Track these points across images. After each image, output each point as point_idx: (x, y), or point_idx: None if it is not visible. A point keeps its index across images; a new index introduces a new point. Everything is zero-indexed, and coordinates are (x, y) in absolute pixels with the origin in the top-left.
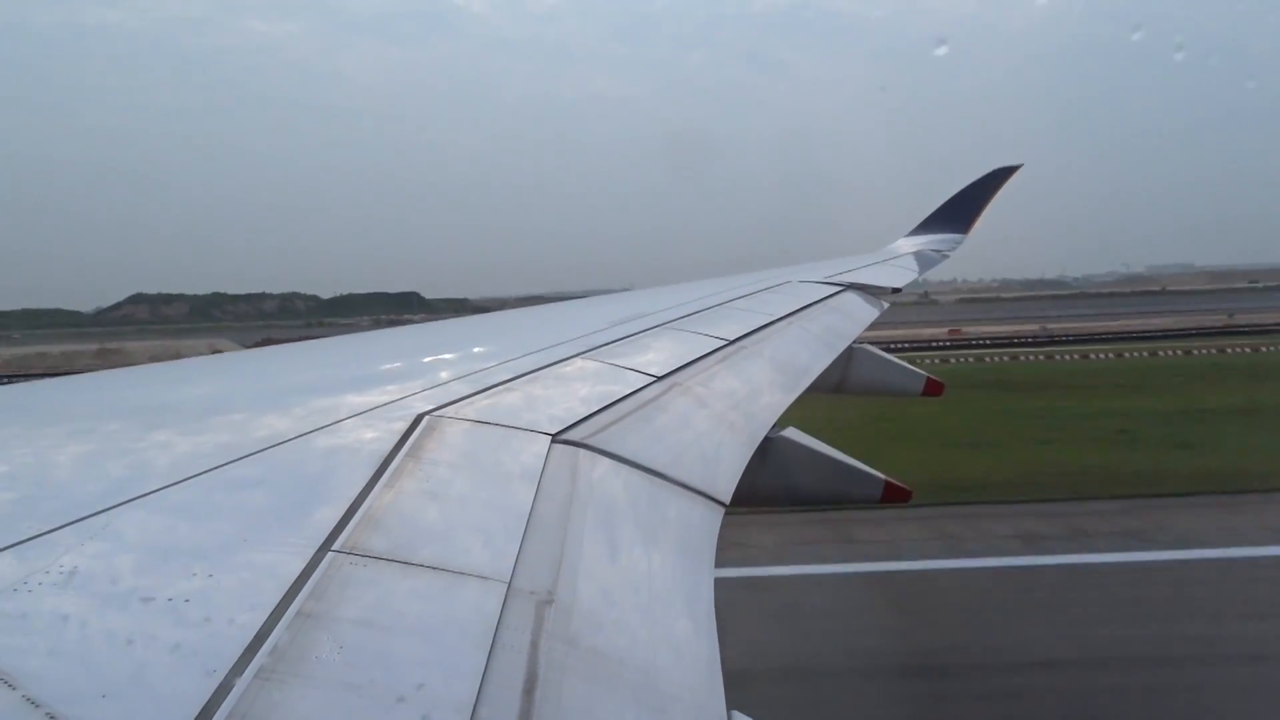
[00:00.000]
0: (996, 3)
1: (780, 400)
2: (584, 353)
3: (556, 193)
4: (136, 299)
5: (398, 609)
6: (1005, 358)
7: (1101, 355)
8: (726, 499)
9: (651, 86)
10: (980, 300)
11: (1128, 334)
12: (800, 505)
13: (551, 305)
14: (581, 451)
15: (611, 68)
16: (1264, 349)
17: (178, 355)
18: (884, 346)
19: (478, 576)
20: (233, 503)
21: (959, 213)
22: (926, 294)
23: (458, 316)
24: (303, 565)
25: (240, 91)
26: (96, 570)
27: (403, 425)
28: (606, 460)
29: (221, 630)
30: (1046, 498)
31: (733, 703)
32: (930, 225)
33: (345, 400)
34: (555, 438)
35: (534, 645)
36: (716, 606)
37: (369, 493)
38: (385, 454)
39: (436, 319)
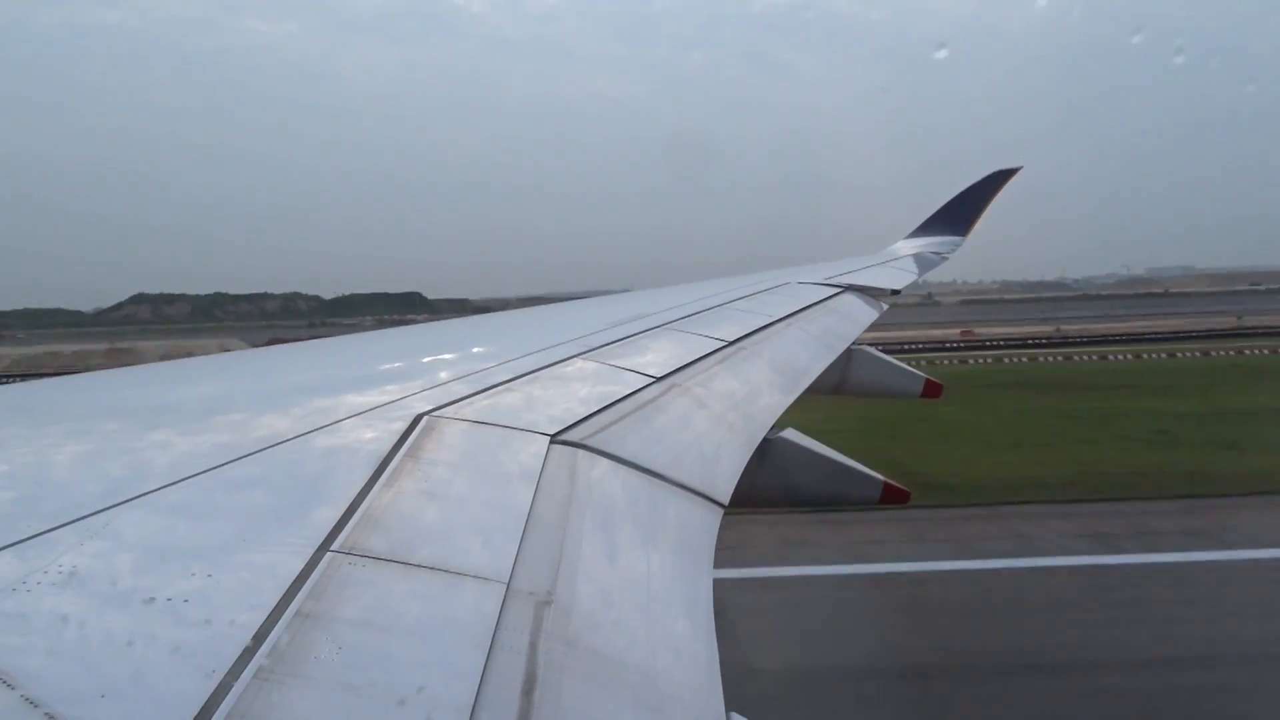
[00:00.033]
0: (996, 4)
1: (779, 401)
2: (583, 353)
3: (556, 193)
4: (138, 299)
5: (397, 609)
6: (1024, 359)
7: (1119, 356)
8: (725, 500)
9: (651, 87)
10: (984, 302)
11: (1141, 335)
12: (799, 506)
13: (551, 306)
14: (580, 452)
15: (611, 68)
16: None
17: (189, 354)
18: (895, 347)
19: (477, 577)
20: (232, 503)
21: (958, 215)
22: (930, 295)
23: (459, 317)
24: (302, 565)
25: (241, 92)
26: (96, 570)
27: (402, 425)
28: (605, 461)
29: (220, 630)
30: (1104, 497)
31: (730, 704)
32: (929, 227)
33: (344, 400)
34: (554, 438)
35: (533, 646)
36: (855, 605)
37: (368, 493)
38: (384, 454)
39: (439, 319)
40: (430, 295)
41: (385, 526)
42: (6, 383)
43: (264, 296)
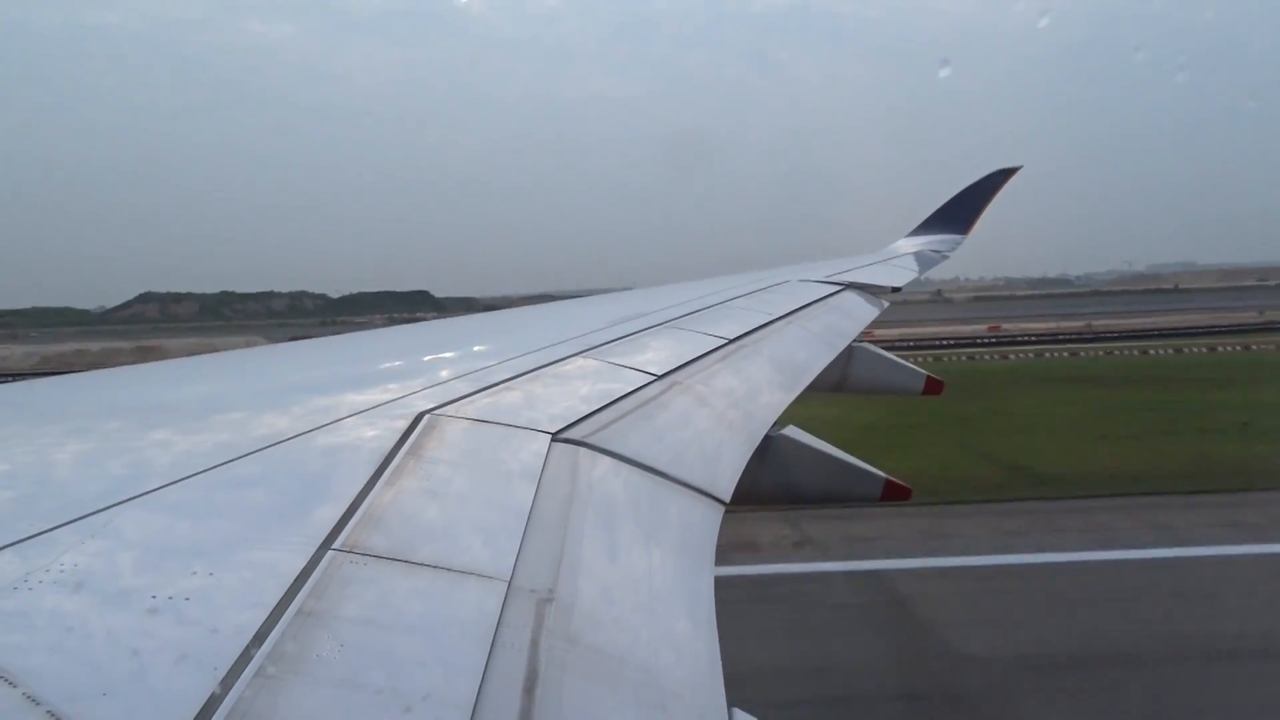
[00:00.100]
0: (997, 3)
1: (780, 399)
2: (584, 351)
3: (558, 193)
4: (146, 298)
5: (398, 607)
6: (1063, 354)
7: (1159, 351)
8: (727, 497)
9: (651, 87)
10: (996, 298)
11: (1172, 330)
12: (801, 504)
13: (552, 304)
14: (582, 450)
15: (611, 68)
16: None
17: (213, 351)
18: (925, 343)
19: (478, 575)
20: (233, 501)
21: (959, 213)
22: (940, 292)
23: (466, 315)
24: (303, 564)
25: (242, 92)
26: (97, 568)
27: (403, 424)
28: (607, 459)
29: (222, 628)
30: (1222, 488)
31: (732, 700)
32: (930, 226)
33: (345, 399)
34: (555, 436)
35: (534, 644)
36: (1026, 595)
37: (369, 491)
38: (386, 452)
39: (446, 318)
40: (438, 294)
41: (387, 525)
42: (22, 380)
43: (271, 295)
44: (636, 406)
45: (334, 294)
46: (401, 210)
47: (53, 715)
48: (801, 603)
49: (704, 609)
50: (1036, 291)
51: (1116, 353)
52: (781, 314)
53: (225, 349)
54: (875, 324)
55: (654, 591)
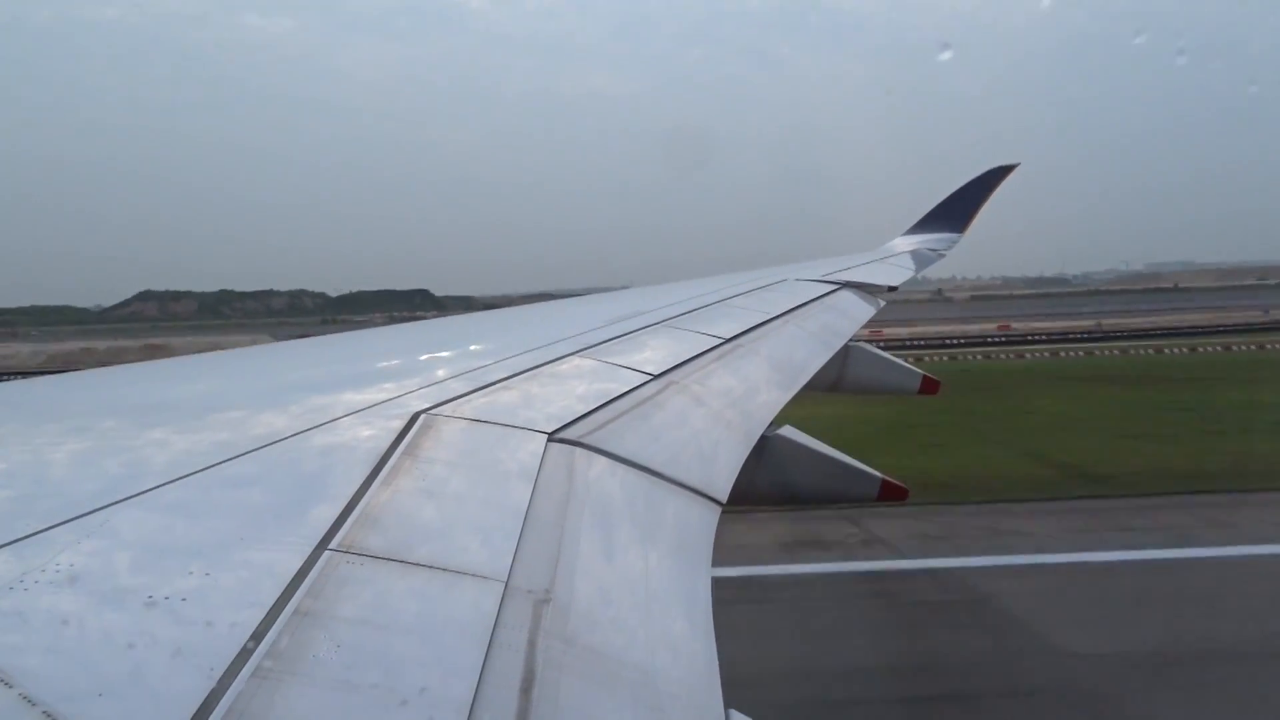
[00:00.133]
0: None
1: (777, 398)
2: (581, 351)
3: (557, 191)
4: (145, 296)
5: (395, 608)
6: (1078, 353)
7: (1175, 350)
8: (723, 497)
9: (650, 83)
10: (996, 298)
11: (1182, 329)
12: (797, 504)
13: (548, 303)
14: (578, 450)
15: (610, 64)
16: None
17: (220, 349)
18: (936, 342)
19: (475, 575)
20: (230, 501)
21: (955, 212)
22: (940, 291)
23: (462, 314)
24: (300, 564)
25: (239, 88)
26: (93, 568)
27: (399, 423)
28: (603, 459)
29: (219, 628)
30: (1272, 486)
31: (729, 701)
32: (926, 224)
33: (342, 398)
34: (552, 436)
35: (531, 644)
36: (1117, 592)
37: (366, 491)
38: (382, 452)
39: (443, 317)
40: (438, 293)
41: (383, 525)
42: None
43: (270, 294)
44: (633, 406)
45: (334, 292)
46: (401, 208)
47: (49, 716)
48: (891, 601)
49: (701, 609)
50: (1037, 290)
51: (1131, 352)
52: (778, 313)
53: (233, 347)
54: (884, 323)
55: (651, 592)
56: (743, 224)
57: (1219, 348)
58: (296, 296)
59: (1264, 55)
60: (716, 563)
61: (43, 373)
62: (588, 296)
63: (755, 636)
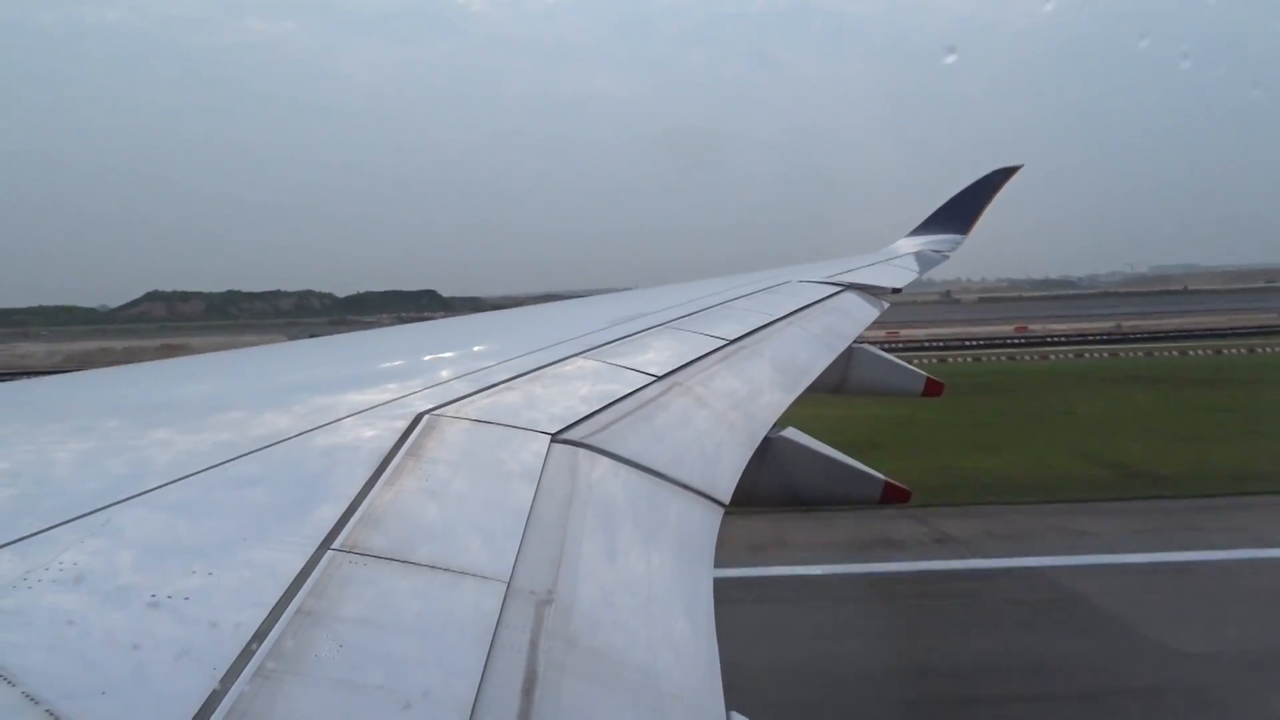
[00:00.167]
0: (998, 1)
1: (780, 400)
2: (584, 352)
3: (561, 192)
4: (153, 296)
5: (397, 608)
6: (1103, 354)
7: (1197, 352)
8: (726, 499)
9: (652, 85)
10: (1006, 299)
11: (1203, 331)
12: (800, 506)
13: (552, 304)
14: (581, 451)
15: (612, 66)
16: None
17: (237, 348)
18: (953, 343)
19: (477, 576)
20: (232, 501)
21: (959, 213)
22: (949, 293)
23: (465, 315)
24: (302, 563)
25: (247, 91)
26: (96, 567)
27: (403, 424)
28: (606, 460)
29: (221, 628)
30: None
31: (731, 703)
32: (930, 226)
33: (345, 399)
34: (555, 437)
35: (533, 645)
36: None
37: (369, 491)
38: (385, 453)
39: (446, 318)
40: (445, 294)
41: (386, 525)
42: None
43: (278, 294)
44: (636, 407)
45: (341, 293)
46: (407, 209)
47: (52, 714)
48: (981, 600)
49: (703, 611)
50: (1046, 293)
51: (1154, 353)
52: (781, 315)
53: (249, 347)
54: (899, 324)
55: (653, 593)
56: (746, 225)
57: (1242, 350)
58: (304, 297)
59: (1267, 58)
60: (800, 561)
61: (60, 373)
62: (591, 298)
63: (867, 637)
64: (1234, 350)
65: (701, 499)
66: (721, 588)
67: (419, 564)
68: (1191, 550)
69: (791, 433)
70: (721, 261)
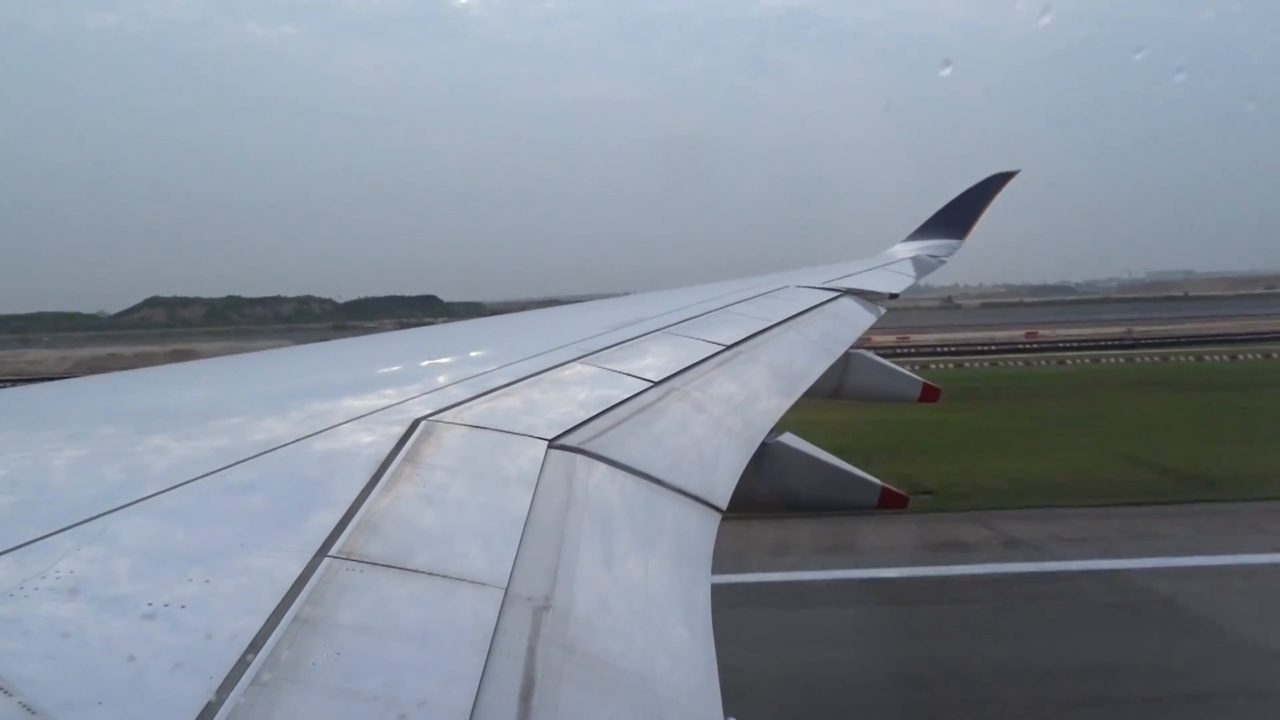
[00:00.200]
0: (996, 8)
1: (777, 405)
2: (581, 357)
3: (560, 197)
4: (153, 302)
5: (395, 614)
6: (1119, 359)
7: (1213, 357)
8: (723, 504)
9: (650, 91)
10: (1007, 305)
11: (1215, 336)
12: (797, 511)
13: (549, 309)
14: (578, 457)
15: (611, 72)
16: None
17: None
18: (966, 348)
19: (474, 582)
20: (230, 507)
21: (956, 218)
22: (950, 299)
23: (463, 321)
24: (300, 570)
25: (247, 96)
26: (93, 575)
27: (400, 430)
28: (603, 466)
29: (218, 636)
30: None
31: (729, 709)
32: (927, 230)
33: (342, 405)
34: (552, 443)
35: (531, 651)
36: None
37: (366, 498)
38: (382, 459)
39: (444, 323)
40: (445, 298)
41: (383, 531)
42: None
43: (278, 300)
44: (634, 413)
45: (341, 298)
46: (407, 214)
47: None
48: (1069, 602)
49: (701, 617)
50: (1047, 299)
51: (1171, 359)
52: (779, 320)
53: (259, 350)
54: (909, 329)
55: (651, 599)
56: (743, 230)
57: (1258, 355)
58: (304, 302)
59: (1263, 69)
60: (876, 564)
61: (58, 380)
62: (589, 303)
63: (964, 638)
64: (1249, 355)
65: (699, 504)
66: (812, 590)
67: (416, 571)
68: (1264, 553)
69: (789, 438)
70: (718, 266)
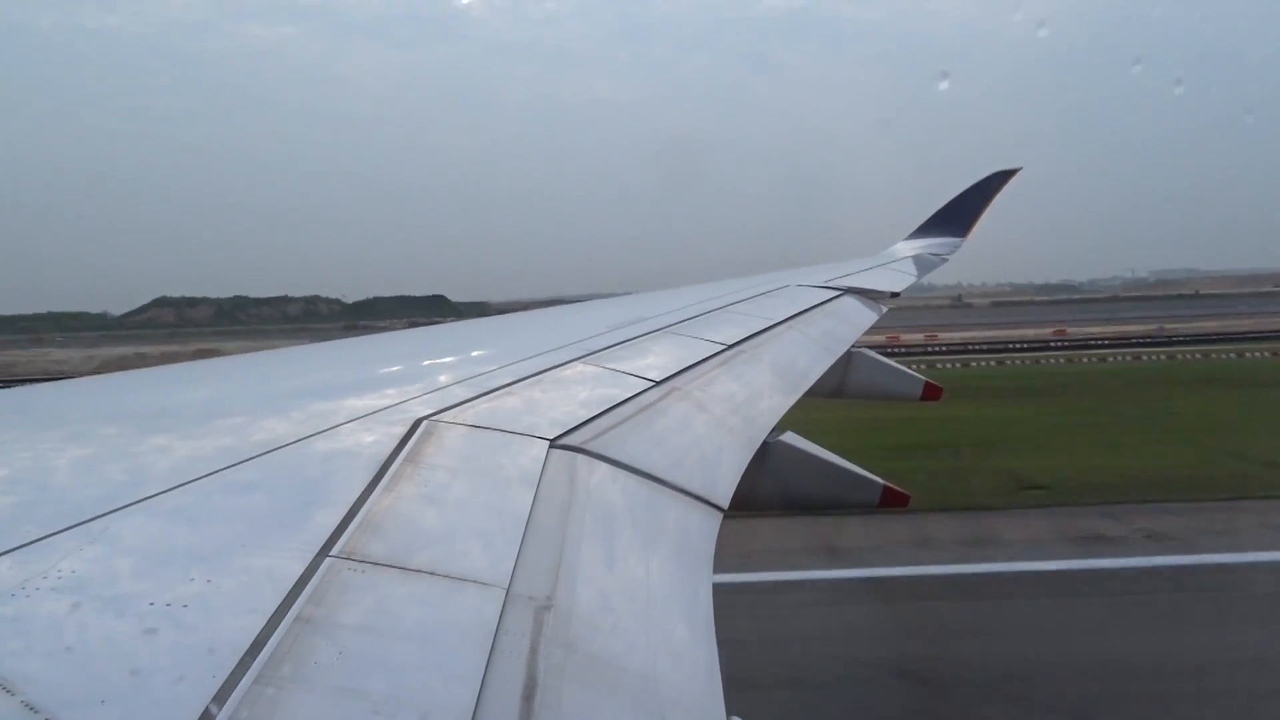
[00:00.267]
0: (998, 8)
1: (779, 404)
2: (583, 357)
3: (563, 197)
4: (161, 302)
5: (397, 614)
6: (1160, 356)
7: (1258, 354)
8: (725, 504)
9: (652, 91)
10: (1016, 303)
11: (1252, 334)
12: (798, 510)
13: (550, 309)
14: (580, 456)
15: (612, 71)
16: None
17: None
18: (1001, 346)
19: (476, 582)
20: (232, 507)
21: (957, 216)
22: (960, 297)
23: (466, 320)
24: (301, 570)
25: (246, 96)
26: (95, 575)
27: (401, 430)
28: (605, 465)
29: (220, 635)
30: None
31: (731, 708)
32: (929, 229)
33: (344, 404)
34: (554, 443)
35: (533, 651)
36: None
37: (367, 497)
38: (384, 458)
39: (446, 323)
40: (454, 298)
41: (385, 531)
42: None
43: (285, 300)
44: (635, 412)
45: (349, 298)
46: (413, 214)
47: None
48: (1240, 594)
49: (702, 616)
50: (1054, 297)
51: (1212, 356)
52: (780, 319)
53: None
54: (936, 328)
55: (652, 598)
56: (744, 229)
57: None
58: (311, 302)
59: (1262, 78)
60: (1026, 557)
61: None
62: (590, 302)
63: (1127, 632)
64: None
65: (700, 504)
66: (968, 583)
67: (418, 570)
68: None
69: (790, 437)
70: (720, 265)
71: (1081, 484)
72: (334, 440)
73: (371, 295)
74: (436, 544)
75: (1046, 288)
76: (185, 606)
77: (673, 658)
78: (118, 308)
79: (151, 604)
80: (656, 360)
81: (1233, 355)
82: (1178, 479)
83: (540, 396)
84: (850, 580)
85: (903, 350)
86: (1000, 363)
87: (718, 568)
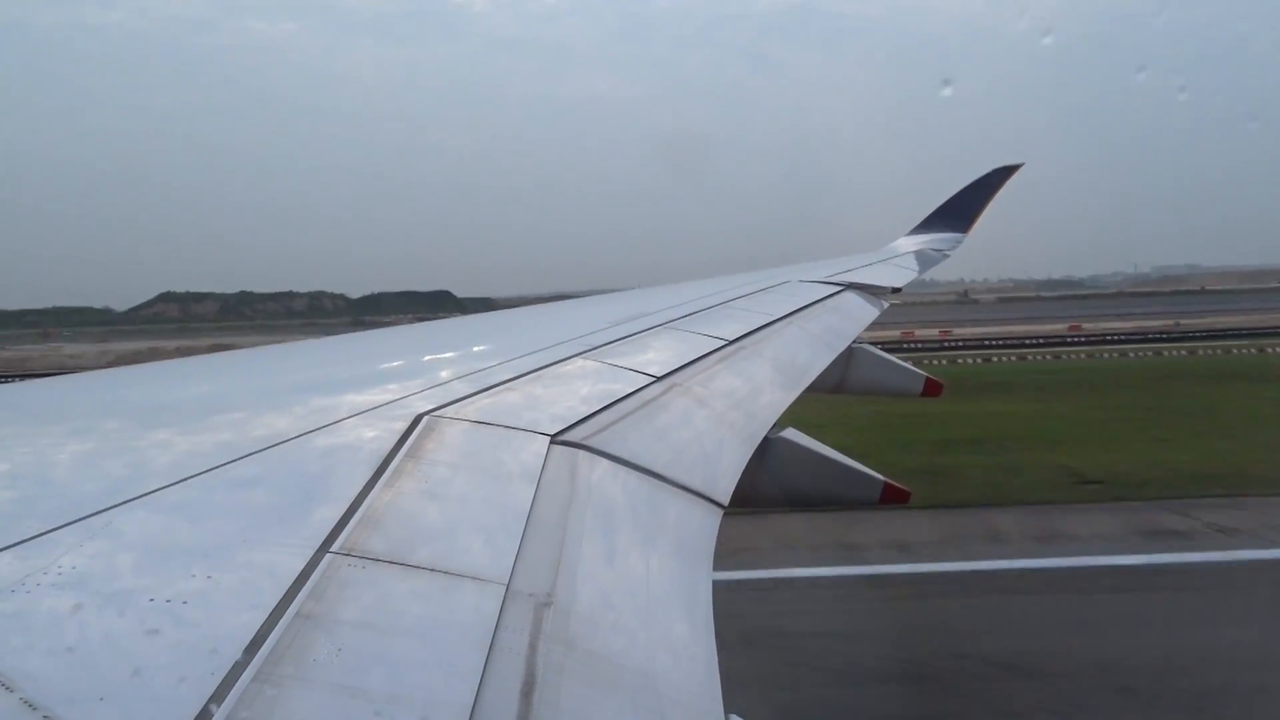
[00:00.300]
0: (1000, 7)
1: (780, 400)
2: (584, 352)
3: (566, 193)
4: (166, 297)
5: (396, 610)
6: (1181, 352)
7: (1275, 349)
8: (725, 500)
9: (653, 87)
10: (1022, 299)
11: (1264, 329)
12: (799, 506)
13: (551, 305)
14: (581, 452)
15: (613, 68)
16: None
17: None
18: (1010, 341)
19: (476, 578)
20: (232, 503)
21: (959, 212)
22: (966, 293)
23: (468, 316)
24: (302, 566)
25: (248, 92)
26: (96, 570)
27: (402, 425)
28: (605, 461)
29: (220, 631)
30: None
31: (730, 705)
32: (930, 224)
33: (345, 400)
34: (554, 438)
35: (532, 647)
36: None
37: (368, 493)
38: (385, 454)
39: (450, 318)
40: (460, 294)
41: (385, 527)
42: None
43: (290, 295)
44: (636, 408)
45: (354, 294)
46: (417, 210)
47: None
48: None
49: (702, 613)
50: (1057, 293)
51: (1234, 351)
52: (781, 315)
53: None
54: (954, 323)
55: (652, 595)
56: (746, 225)
57: None
58: (316, 298)
59: (1263, 82)
60: (1101, 551)
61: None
62: (591, 298)
63: (1217, 626)
64: None
65: (701, 500)
66: (1076, 577)
67: (418, 566)
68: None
69: (791, 433)
70: (721, 261)
71: (1137, 478)
72: (335, 436)
73: (376, 291)
74: (437, 540)
75: (1049, 283)
76: (185, 602)
77: (672, 655)
78: (121, 303)
79: (152, 600)
80: (657, 356)
81: (1253, 350)
82: (1230, 473)
83: (541, 392)
84: (926, 575)
85: (916, 346)
86: (1021, 358)
87: (787, 562)
